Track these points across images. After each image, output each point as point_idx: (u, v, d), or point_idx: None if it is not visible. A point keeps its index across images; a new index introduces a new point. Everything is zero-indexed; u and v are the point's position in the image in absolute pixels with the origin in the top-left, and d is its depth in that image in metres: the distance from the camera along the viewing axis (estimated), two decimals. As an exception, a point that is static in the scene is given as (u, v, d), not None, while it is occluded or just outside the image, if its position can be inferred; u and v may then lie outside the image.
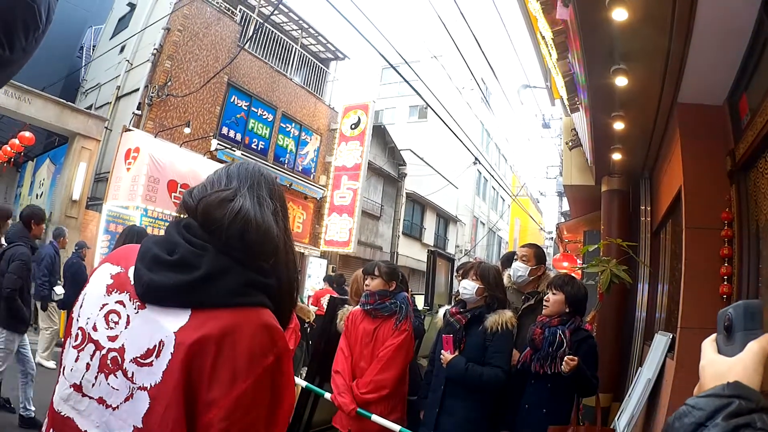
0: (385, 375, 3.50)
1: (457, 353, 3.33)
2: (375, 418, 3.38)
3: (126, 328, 1.12)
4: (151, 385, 1.05)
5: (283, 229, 1.26)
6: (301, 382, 4.09)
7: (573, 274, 3.99)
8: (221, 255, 1.13)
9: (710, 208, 3.85)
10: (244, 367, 1.05)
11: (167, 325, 1.08)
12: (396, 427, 3.34)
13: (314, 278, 15.01)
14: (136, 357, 1.08)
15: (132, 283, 1.15)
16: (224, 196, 1.18)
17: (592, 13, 3.22)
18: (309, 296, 13.15)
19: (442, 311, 3.84)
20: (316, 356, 4.22)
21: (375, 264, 3.83)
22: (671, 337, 4.20)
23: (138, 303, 1.13)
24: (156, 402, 1.04)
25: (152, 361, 1.06)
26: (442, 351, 3.37)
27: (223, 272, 1.11)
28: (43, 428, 1.18)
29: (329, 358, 4.06)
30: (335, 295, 8.06)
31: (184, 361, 1.04)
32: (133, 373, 1.07)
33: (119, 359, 1.09)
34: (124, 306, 1.14)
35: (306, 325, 5.60)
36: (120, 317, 1.13)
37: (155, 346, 1.07)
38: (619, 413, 4.58)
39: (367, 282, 3.77)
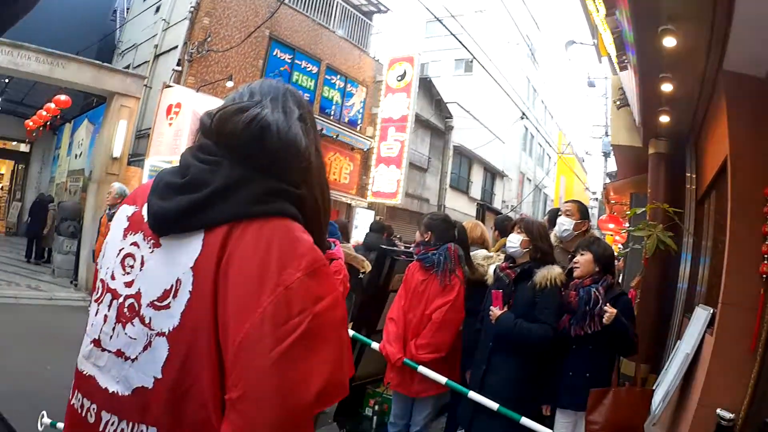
0: (439, 338, 3.46)
1: (506, 309, 3.29)
2: (421, 369, 3.39)
3: (141, 270, 1.03)
4: (169, 330, 0.96)
5: (314, 141, 1.13)
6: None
7: (598, 237, 4.00)
8: (237, 166, 1.01)
9: (756, 181, 3.68)
10: (257, 282, 0.90)
11: (183, 259, 0.97)
12: (442, 378, 3.38)
13: (361, 229, 14.93)
14: (153, 300, 0.99)
15: (146, 219, 1.05)
16: (241, 106, 1.06)
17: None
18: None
19: (492, 267, 3.79)
20: (363, 308, 4.24)
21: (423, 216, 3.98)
22: (711, 311, 4.07)
23: (152, 241, 1.03)
24: (175, 348, 0.95)
25: (170, 302, 0.97)
26: (491, 307, 3.33)
27: (239, 182, 0.99)
28: (71, 390, 1.10)
29: (376, 310, 4.14)
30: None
31: (203, 295, 0.94)
32: (150, 318, 0.98)
33: (136, 305, 1.01)
34: (139, 247, 1.05)
35: (360, 275, 5.51)
36: (135, 260, 1.05)
37: (172, 285, 0.97)
38: (655, 386, 4.50)
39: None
